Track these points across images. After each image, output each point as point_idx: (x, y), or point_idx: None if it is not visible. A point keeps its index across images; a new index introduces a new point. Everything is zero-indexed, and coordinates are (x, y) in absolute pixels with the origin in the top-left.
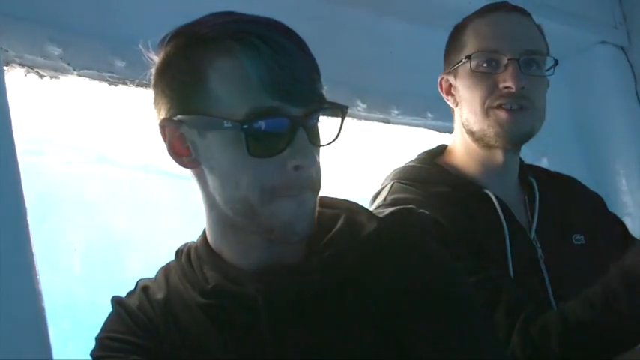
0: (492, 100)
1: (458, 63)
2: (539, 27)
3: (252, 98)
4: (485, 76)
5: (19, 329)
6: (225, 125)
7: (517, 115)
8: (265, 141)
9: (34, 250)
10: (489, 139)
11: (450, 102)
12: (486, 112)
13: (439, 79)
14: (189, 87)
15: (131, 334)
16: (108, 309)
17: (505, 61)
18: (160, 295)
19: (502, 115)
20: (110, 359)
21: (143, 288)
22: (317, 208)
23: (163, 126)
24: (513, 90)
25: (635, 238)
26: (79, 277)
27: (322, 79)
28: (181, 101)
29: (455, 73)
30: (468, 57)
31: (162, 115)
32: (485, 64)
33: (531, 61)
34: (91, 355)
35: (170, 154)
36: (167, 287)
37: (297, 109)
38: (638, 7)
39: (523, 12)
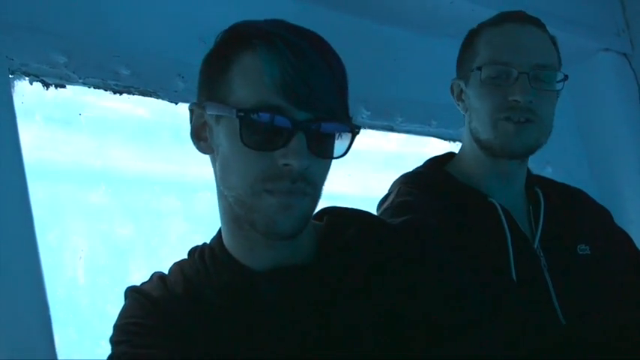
0: (500, 112)
1: (469, 71)
2: (552, 39)
3: (261, 93)
4: (495, 88)
5: (25, 337)
6: (228, 113)
7: (523, 127)
8: (262, 134)
9: (40, 258)
10: (495, 149)
11: (460, 107)
12: (494, 123)
13: (451, 84)
14: (216, 76)
15: (151, 318)
16: (112, 317)
17: (515, 74)
18: (177, 288)
19: (508, 127)
20: (131, 343)
21: (160, 278)
22: (311, 215)
23: (192, 109)
24: (521, 103)
25: None
26: (83, 285)
27: (347, 97)
28: (208, 89)
29: (466, 80)
30: (479, 68)
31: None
32: (495, 76)
33: (541, 75)
34: (110, 341)
35: (191, 137)
36: (184, 281)
37: (302, 113)
38: None
39: (538, 24)
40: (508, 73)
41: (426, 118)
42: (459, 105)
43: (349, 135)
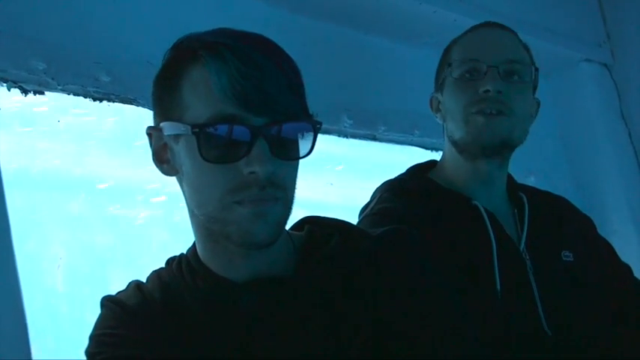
0: (472, 105)
1: (443, 78)
2: (524, 44)
3: (214, 105)
4: (467, 83)
5: (1, 345)
6: (184, 131)
7: (494, 119)
8: (222, 147)
9: (17, 267)
10: (469, 146)
11: (438, 119)
12: (466, 118)
13: (430, 99)
14: (167, 95)
15: (127, 329)
16: (91, 326)
17: (484, 68)
18: (156, 295)
19: (480, 119)
20: (105, 355)
21: (137, 286)
22: (286, 221)
23: (150, 133)
24: (491, 94)
25: (623, 263)
26: (62, 294)
27: (303, 95)
28: (162, 109)
29: (442, 89)
30: (450, 64)
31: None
32: (466, 73)
33: (511, 69)
34: (86, 352)
35: (154, 160)
36: (162, 288)
37: (259, 118)
38: (621, 25)
39: (507, 29)
40: (478, 68)
41: (409, 127)
42: (437, 117)
43: (312, 132)
